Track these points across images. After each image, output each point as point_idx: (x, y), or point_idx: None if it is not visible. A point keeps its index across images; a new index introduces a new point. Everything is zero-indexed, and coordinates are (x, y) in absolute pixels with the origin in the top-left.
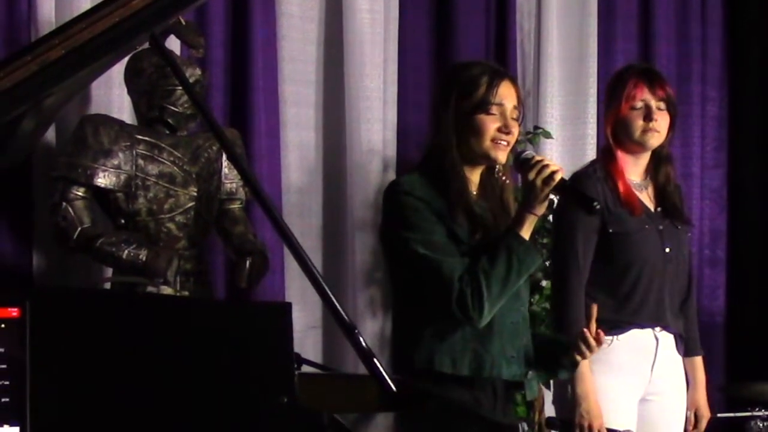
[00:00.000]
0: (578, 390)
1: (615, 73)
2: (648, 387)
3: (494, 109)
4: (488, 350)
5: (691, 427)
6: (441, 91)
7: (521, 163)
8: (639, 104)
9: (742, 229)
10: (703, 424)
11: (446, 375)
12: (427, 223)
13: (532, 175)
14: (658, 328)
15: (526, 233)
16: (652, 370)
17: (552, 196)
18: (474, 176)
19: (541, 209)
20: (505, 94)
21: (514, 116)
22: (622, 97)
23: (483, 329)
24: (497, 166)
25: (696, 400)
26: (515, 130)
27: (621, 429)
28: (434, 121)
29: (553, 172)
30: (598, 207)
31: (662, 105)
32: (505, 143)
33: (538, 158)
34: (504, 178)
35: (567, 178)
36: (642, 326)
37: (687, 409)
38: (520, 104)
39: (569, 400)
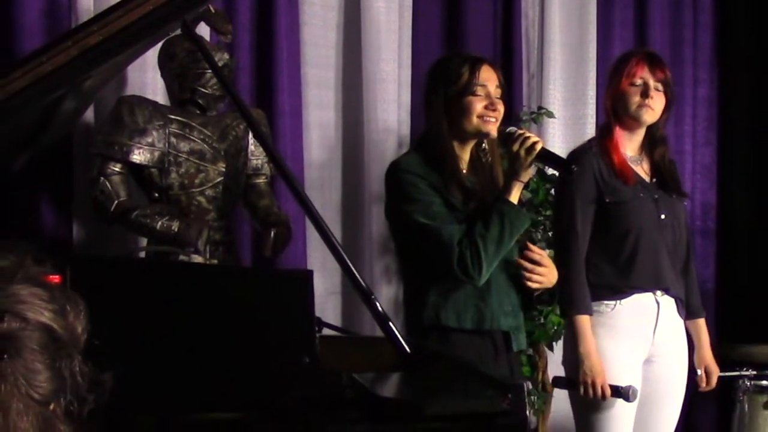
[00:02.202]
0: (581, 349)
1: (621, 54)
2: (651, 349)
3: (479, 90)
4: (488, 305)
5: (704, 385)
6: (429, 82)
7: (505, 137)
8: (638, 81)
9: (730, 202)
10: (714, 379)
11: (451, 329)
12: (425, 195)
13: (515, 147)
14: (659, 293)
15: (514, 198)
16: (654, 333)
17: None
18: (465, 153)
19: (526, 176)
20: (487, 77)
21: (498, 95)
22: (624, 73)
23: (482, 286)
24: (483, 143)
25: (704, 358)
26: (500, 107)
27: (624, 385)
28: (425, 109)
29: (534, 143)
30: (575, 169)
31: (660, 86)
32: (492, 119)
33: (520, 132)
34: (489, 155)
35: (566, 155)
36: (643, 290)
37: (697, 367)
38: (501, 85)
39: (573, 360)
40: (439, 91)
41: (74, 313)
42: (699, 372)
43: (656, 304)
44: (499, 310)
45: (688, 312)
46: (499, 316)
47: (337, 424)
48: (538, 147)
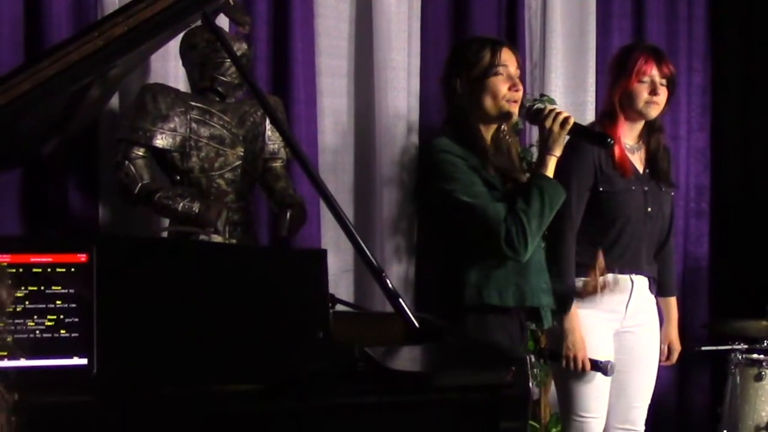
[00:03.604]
0: (566, 325)
1: (623, 48)
2: (624, 321)
3: (501, 71)
4: (528, 282)
5: (664, 358)
6: (450, 65)
7: (535, 114)
8: (646, 79)
9: (723, 185)
10: (675, 356)
11: (493, 307)
12: (465, 175)
13: (548, 123)
14: (633, 274)
15: (549, 173)
16: (627, 307)
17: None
18: (487, 136)
19: (559, 150)
20: (507, 58)
21: (518, 76)
22: (633, 71)
23: (521, 264)
24: (503, 126)
25: (669, 334)
26: (521, 87)
27: (602, 359)
28: (446, 93)
29: (567, 117)
30: (611, 142)
31: (665, 82)
32: (516, 100)
33: (550, 107)
34: (508, 136)
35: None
36: (619, 272)
37: (661, 342)
38: (520, 66)
39: (557, 334)
40: (462, 74)
41: None
42: (662, 347)
43: (630, 282)
44: (538, 287)
45: (661, 290)
46: (539, 293)
47: (350, 395)
48: (571, 121)
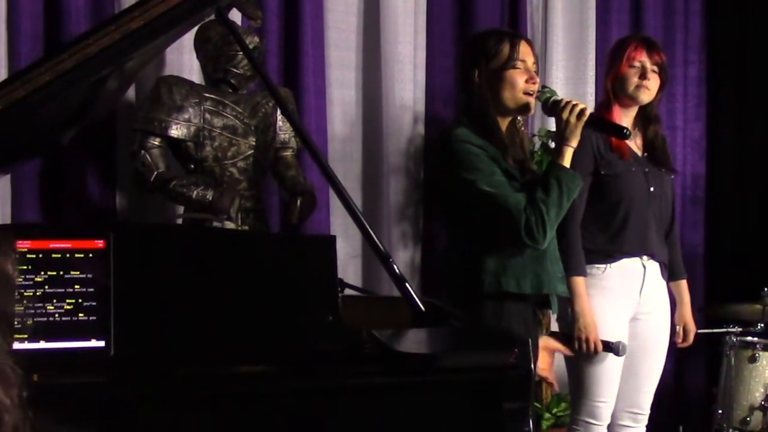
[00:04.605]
0: (576, 308)
1: (619, 39)
2: (637, 308)
3: (519, 65)
4: (545, 270)
5: (680, 340)
6: (469, 57)
7: (552, 106)
8: (636, 64)
9: (718, 173)
10: (691, 336)
11: (511, 294)
12: (486, 165)
13: (565, 115)
14: (645, 257)
15: (566, 163)
16: (640, 293)
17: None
18: (502, 128)
19: (575, 142)
20: (525, 52)
21: (534, 69)
22: (624, 57)
23: (538, 253)
24: (518, 119)
25: (683, 316)
26: (537, 80)
27: (613, 340)
28: (463, 84)
29: (583, 109)
30: (628, 133)
31: (656, 68)
32: (532, 92)
33: (566, 100)
34: (523, 128)
35: None
36: (631, 255)
37: (676, 324)
38: (537, 60)
39: (569, 317)
40: (481, 66)
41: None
42: (678, 329)
43: (643, 268)
44: (554, 275)
45: (671, 274)
46: (555, 282)
47: (358, 377)
48: (587, 113)
